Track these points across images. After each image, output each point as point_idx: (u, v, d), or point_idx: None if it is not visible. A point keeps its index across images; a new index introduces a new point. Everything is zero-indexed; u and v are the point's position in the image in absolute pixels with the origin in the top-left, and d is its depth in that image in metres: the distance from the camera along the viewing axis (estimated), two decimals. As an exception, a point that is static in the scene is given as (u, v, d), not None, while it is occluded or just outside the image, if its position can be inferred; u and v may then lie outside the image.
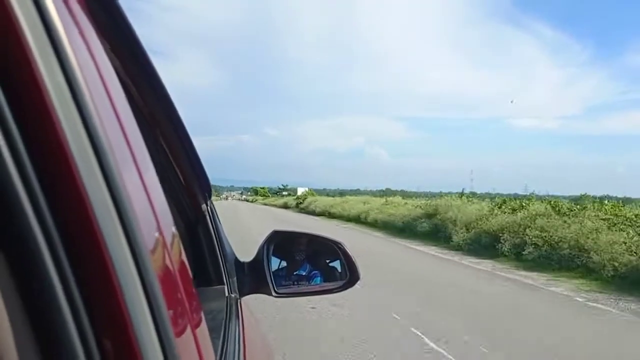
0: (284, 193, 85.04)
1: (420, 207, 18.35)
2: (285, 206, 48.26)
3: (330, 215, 28.93)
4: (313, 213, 32.88)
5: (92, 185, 0.34)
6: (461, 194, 18.75)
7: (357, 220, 23.35)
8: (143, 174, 0.44)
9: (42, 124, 0.32)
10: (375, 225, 20.49)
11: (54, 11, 0.33)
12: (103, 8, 0.51)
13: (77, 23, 0.37)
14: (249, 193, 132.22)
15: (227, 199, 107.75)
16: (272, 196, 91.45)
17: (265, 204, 63.93)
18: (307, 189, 50.52)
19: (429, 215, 16.54)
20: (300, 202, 41.57)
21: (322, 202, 35.23)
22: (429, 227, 15.77)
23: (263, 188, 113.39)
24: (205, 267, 1.30)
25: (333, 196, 45.20)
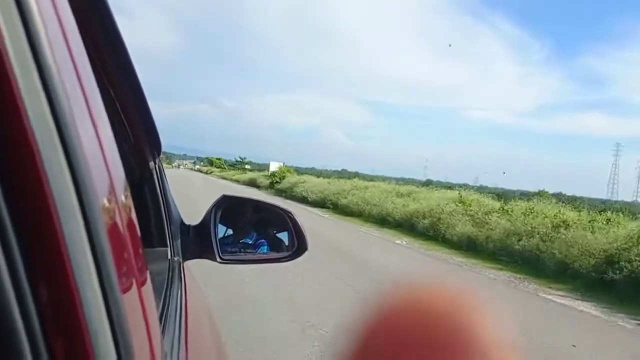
0: (246, 167, 76.72)
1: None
2: (254, 184, 36.64)
3: (339, 210, 18.53)
4: (302, 200, 22.37)
5: (42, 131, 0.30)
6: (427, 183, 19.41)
7: (409, 225, 13.80)
8: (97, 124, 0.41)
9: None
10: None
11: None
12: None
13: None
14: (202, 163, 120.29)
15: (179, 167, 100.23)
16: (229, 169, 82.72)
17: (224, 178, 53.32)
18: (281, 164, 36.97)
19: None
20: (277, 182, 30.86)
21: (316, 185, 24.02)
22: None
23: (219, 159, 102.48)
24: (149, 227, 1.26)
25: (317, 176, 33.20)
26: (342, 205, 18.96)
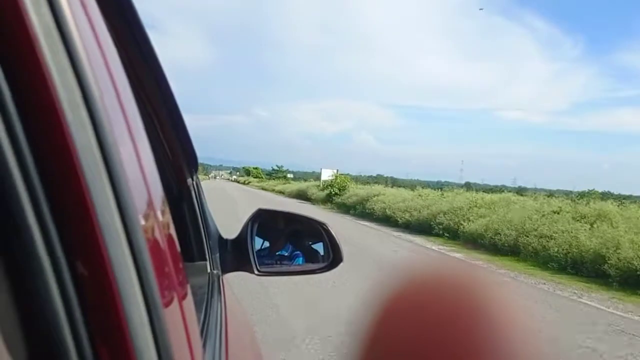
0: (289, 176, 70.83)
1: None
2: (304, 197, 29.68)
3: (465, 239, 11.70)
4: (385, 221, 16.12)
5: (86, 154, 0.32)
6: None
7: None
8: (137, 146, 0.43)
9: (37, 89, 0.30)
10: None
11: None
12: None
13: None
14: (237, 173, 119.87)
15: (215, 178, 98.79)
16: (266, 178, 78.37)
17: (264, 189, 47.07)
18: (335, 172, 28.98)
19: None
20: (335, 194, 24.31)
21: (395, 198, 17.46)
22: None
23: (256, 168, 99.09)
24: (188, 242, 1.29)
25: (399, 187, 27.12)
26: (467, 234, 11.74)
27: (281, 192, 38.53)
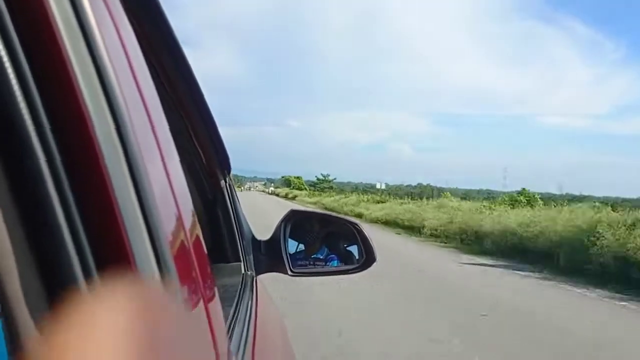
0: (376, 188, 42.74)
1: None
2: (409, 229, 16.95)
3: None
4: (502, 255, 11.06)
5: (115, 170, 0.33)
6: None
7: None
8: (166, 160, 0.45)
9: (68, 106, 0.31)
10: None
11: None
12: None
13: (106, 4, 0.36)
14: (273, 184, 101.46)
15: (249, 189, 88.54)
16: (310, 189, 62.89)
17: (326, 208, 28.23)
18: (383, 185, 23.82)
19: None
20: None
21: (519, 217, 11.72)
22: None
23: (298, 178, 79.81)
24: (222, 243, 1.31)
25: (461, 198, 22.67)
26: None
27: (358, 216, 20.93)
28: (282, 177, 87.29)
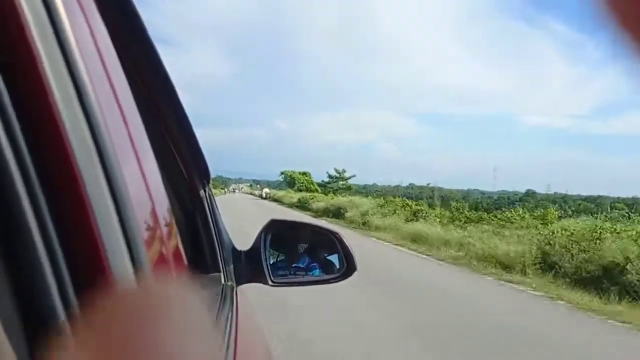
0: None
1: None
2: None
3: None
4: None
5: (89, 172, 0.33)
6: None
7: None
8: (142, 162, 0.44)
9: (40, 107, 0.31)
10: None
11: None
12: None
13: (81, 7, 0.36)
14: (258, 186, 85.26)
15: (233, 191, 76.23)
16: (322, 190, 44.24)
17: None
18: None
19: None
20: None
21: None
22: None
23: (305, 174, 55.83)
24: (202, 253, 1.30)
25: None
26: None
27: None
28: (282, 172, 60.97)
